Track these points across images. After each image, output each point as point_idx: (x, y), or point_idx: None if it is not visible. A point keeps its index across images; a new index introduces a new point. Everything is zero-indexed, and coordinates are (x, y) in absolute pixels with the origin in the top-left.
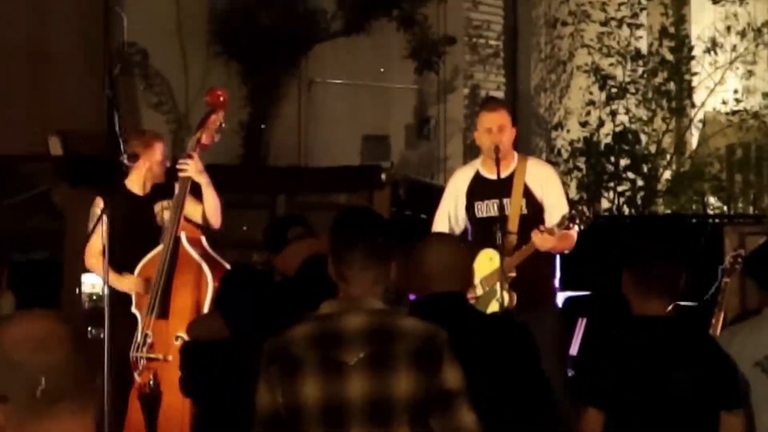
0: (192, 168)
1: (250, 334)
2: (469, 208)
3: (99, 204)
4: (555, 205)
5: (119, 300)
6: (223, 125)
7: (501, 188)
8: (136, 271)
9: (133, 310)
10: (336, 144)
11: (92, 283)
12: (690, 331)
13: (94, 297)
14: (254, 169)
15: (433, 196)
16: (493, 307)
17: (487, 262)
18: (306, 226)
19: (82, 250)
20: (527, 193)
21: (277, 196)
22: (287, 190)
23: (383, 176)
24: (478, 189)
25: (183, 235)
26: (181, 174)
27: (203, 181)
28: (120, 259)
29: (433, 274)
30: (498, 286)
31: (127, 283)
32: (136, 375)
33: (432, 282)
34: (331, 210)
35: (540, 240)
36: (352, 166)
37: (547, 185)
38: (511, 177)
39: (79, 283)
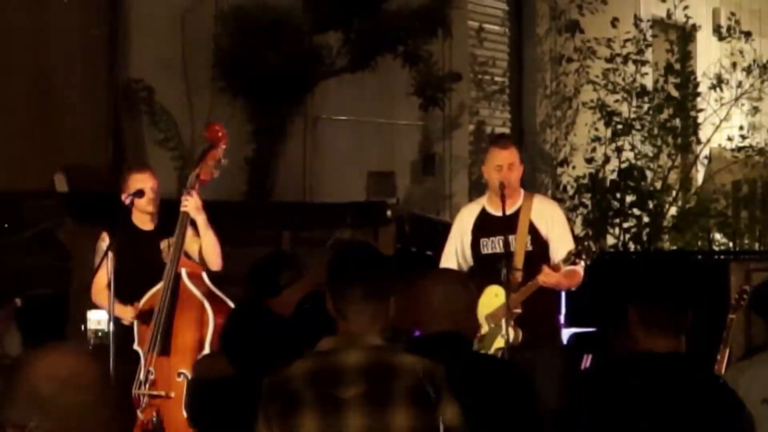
0: (191, 205)
1: (254, 372)
2: (475, 245)
3: (105, 239)
4: (560, 242)
5: (122, 337)
6: (223, 161)
7: (506, 225)
8: (140, 303)
9: (135, 347)
10: (341, 180)
11: (98, 319)
12: (696, 368)
13: (100, 333)
14: (259, 205)
15: (439, 232)
16: (499, 344)
17: (492, 298)
18: (294, 266)
19: (88, 286)
20: (533, 230)
21: (282, 232)
22: (292, 226)
23: (388, 212)
24: (484, 226)
25: (183, 272)
26: (181, 208)
27: (200, 219)
28: (125, 295)
29: (434, 312)
30: (504, 322)
31: (125, 312)
32: (138, 412)
33: (432, 320)
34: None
35: (544, 276)
36: (358, 202)
37: (553, 222)
38: (516, 214)
39: (84, 320)
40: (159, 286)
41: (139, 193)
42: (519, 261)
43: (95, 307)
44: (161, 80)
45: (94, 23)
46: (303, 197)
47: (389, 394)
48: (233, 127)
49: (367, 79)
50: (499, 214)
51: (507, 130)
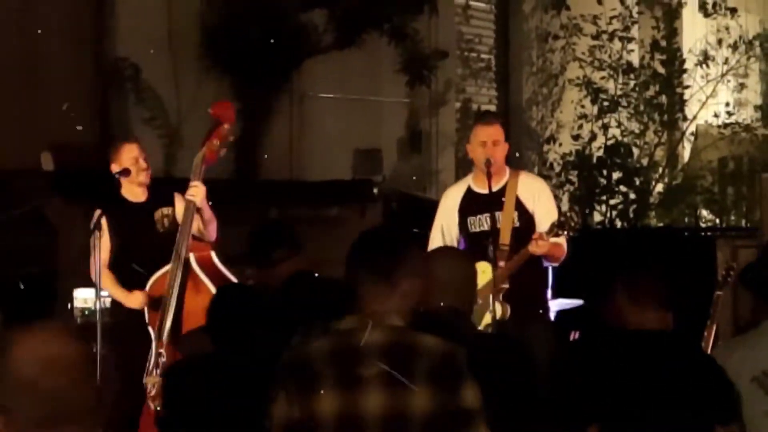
0: (198, 195)
1: (233, 351)
2: (462, 224)
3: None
4: (547, 217)
5: (132, 317)
6: (231, 138)
7: (493, 202)
8: (147, 288)
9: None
10: (328, 158)
11: (84, 297)
12: (684, 346)
13: (86, 312)
14: (246, 183)
15: (426, 209)
16: (487, 320)
17: (479, 275)
18: (291, 244)
19: (75, 264)
20: (519, 207)
21: (269, 211)
22: (279, 205)
23: (375, 190)
24: (470, 204)
25: (192, 257)
26: (187, 197)
27: (206, 209)
28: (126, 274)
29: (438, 289)
30: (491, 298)
31: (135, 301)
32: (149, 400)
33: (435, 296)
34: (323, 224)
35: (534, 245)
36: (344, 180)
37: (539, 198)
38: (502, 190)
39: (71, 298)
40: (164, 269)
41: (126, 172)
42: (506, 237)
43: (82, 285)
44: (148, 58)
45: (80, 1)
46: (290, 175)
47: (410, 374)
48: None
49: (353, 57)
50: (486, 191)
51: (493, 108)
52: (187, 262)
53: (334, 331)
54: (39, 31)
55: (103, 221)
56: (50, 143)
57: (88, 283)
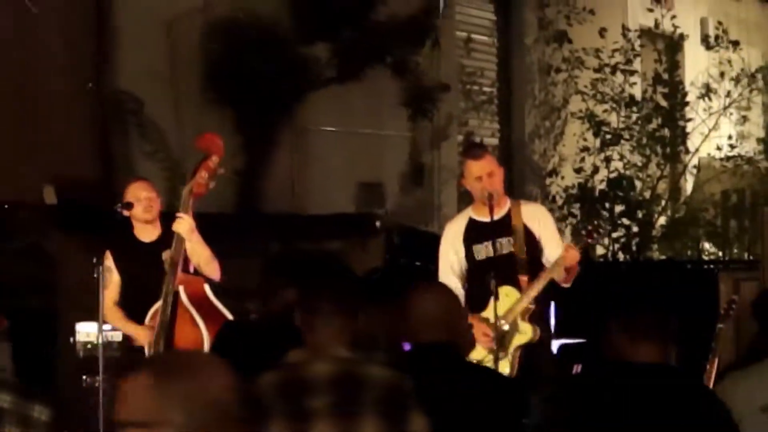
0: (183, 227)
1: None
2: (468, 254)
3: (109, 257)
4: (552, 240)
5: (135, 351)
6: (219, 171)
7: (495, 230)
8: (146, 321)
9: None
10: (330, 191)
11: (87, 331)
12: (683, 378)
13: (89, 346)
14: (247, 216)
15: (428, 243)
16: (519, 341)
17: (503, 298)
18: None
19: (76, 298)
20: (527, 233)
21: (270, 244)
22: (281, 238)
23: (377, 224)
24: (474, 234)
25: (181, 290)
26: (173, 228)
27: (194, 239)
28: (134, 311)
29: (420, 324)
30: (519, 320)
31: (145, 335)
32: None
33: (419, 331)
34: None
35: (568, 256)
36: (346, 214)
37: (543, 223)
38: (506, 218)
39: (73, 332)
40: (158, 304)
41: (128, 205)
42: (523, 264)
43: (85, 319)
44: (149, 92)
45: (81, 34)
46: (291, 209)
47: (358, 404)
48: (221, 139)
49: (355, 90)
50: (487, 219)
51: (495, 141)
52: (176, 295)
53: (283, 364)
54: (40, 64)
55: (110, 260)
56: (52, 177)
57: (91, 317)
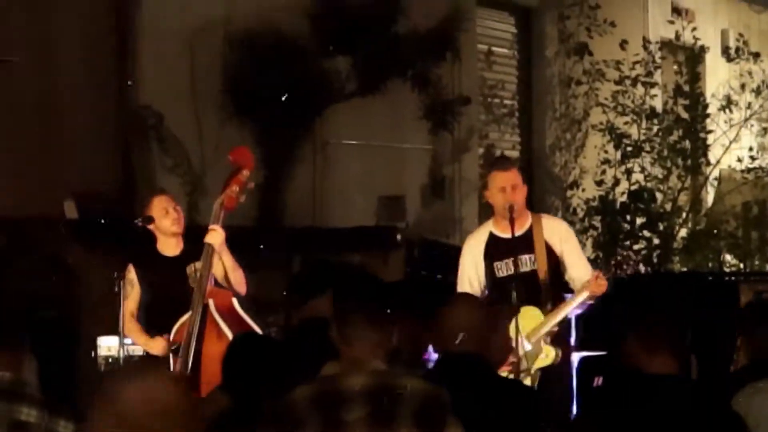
0: (216, 240)
1: (249, 402)
2: (489, 270)
3: (131, 270)
4: (573, 256)
5: (157, 363)
6: (250, 185)
7: (516, 246)
8: (171, 334)
9: None
10: (351, 205)
11: (108, 345)
12: (696, 389)
13: (110, 360)
14: (269, 230)
15: (449, 256)
16: (541, 363)
17: (529, 318)
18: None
19: (97, 312)
20: (549, 250)
21: (293, 257)
22: (302, 251)
23: (398, 237)
24: (495, 250)
25: (211, 303)
26: (205, 240)
27: (225, 255)
28: (155, 325)
29: (451, 334)
30: (543, 343)
31: (157, 346)
32: None
33: (449, 341)
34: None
35: (595, 286)
36: (368, 227)
37: (566, 241)
38: (527, 234)
39: (94, 346)
40: (187, 316)
41: (149, 219)
42: (544, 281)
43: (106, 333)
44: (170, 106)
45: (102, 49)
46: (313, 222)
47: (393, 416)
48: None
49: (376, 103)
50: (509, 236)
51: (516, 153)
52: (206, 307)
53: (318, 377)
54: (61, 80)
55: (133, 274)
56: (73, 191)
57: (112, 330)
